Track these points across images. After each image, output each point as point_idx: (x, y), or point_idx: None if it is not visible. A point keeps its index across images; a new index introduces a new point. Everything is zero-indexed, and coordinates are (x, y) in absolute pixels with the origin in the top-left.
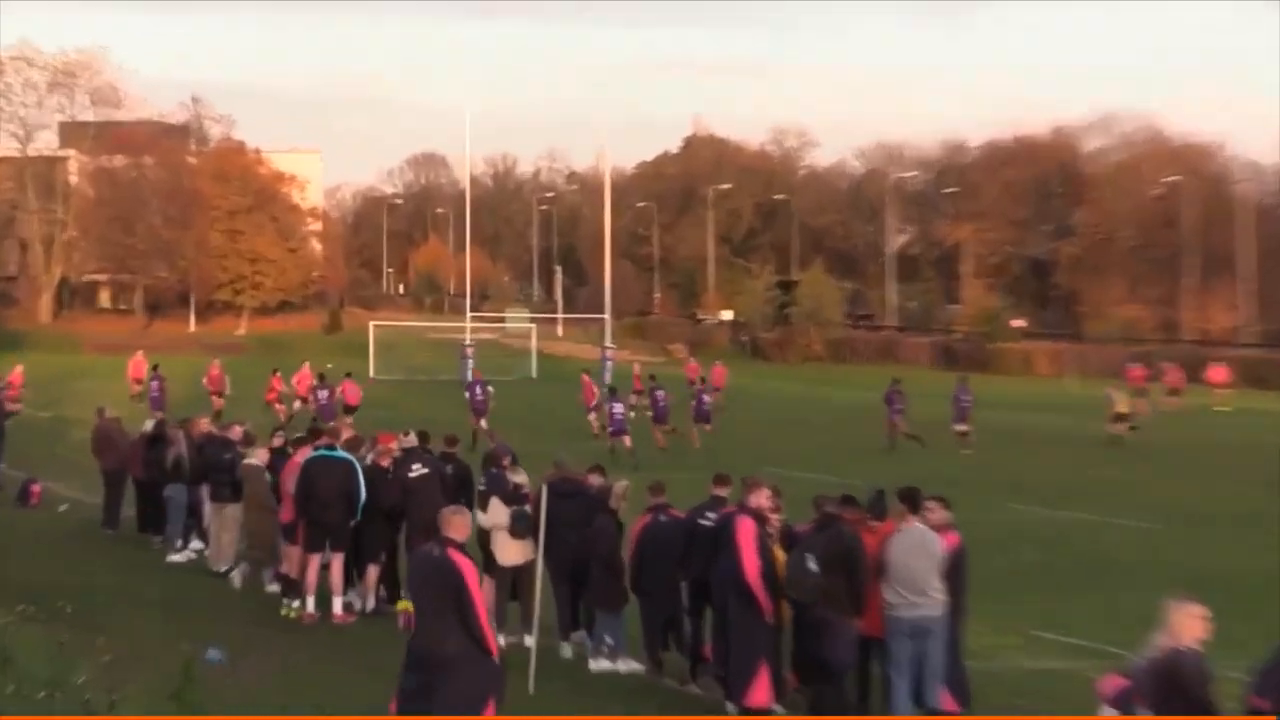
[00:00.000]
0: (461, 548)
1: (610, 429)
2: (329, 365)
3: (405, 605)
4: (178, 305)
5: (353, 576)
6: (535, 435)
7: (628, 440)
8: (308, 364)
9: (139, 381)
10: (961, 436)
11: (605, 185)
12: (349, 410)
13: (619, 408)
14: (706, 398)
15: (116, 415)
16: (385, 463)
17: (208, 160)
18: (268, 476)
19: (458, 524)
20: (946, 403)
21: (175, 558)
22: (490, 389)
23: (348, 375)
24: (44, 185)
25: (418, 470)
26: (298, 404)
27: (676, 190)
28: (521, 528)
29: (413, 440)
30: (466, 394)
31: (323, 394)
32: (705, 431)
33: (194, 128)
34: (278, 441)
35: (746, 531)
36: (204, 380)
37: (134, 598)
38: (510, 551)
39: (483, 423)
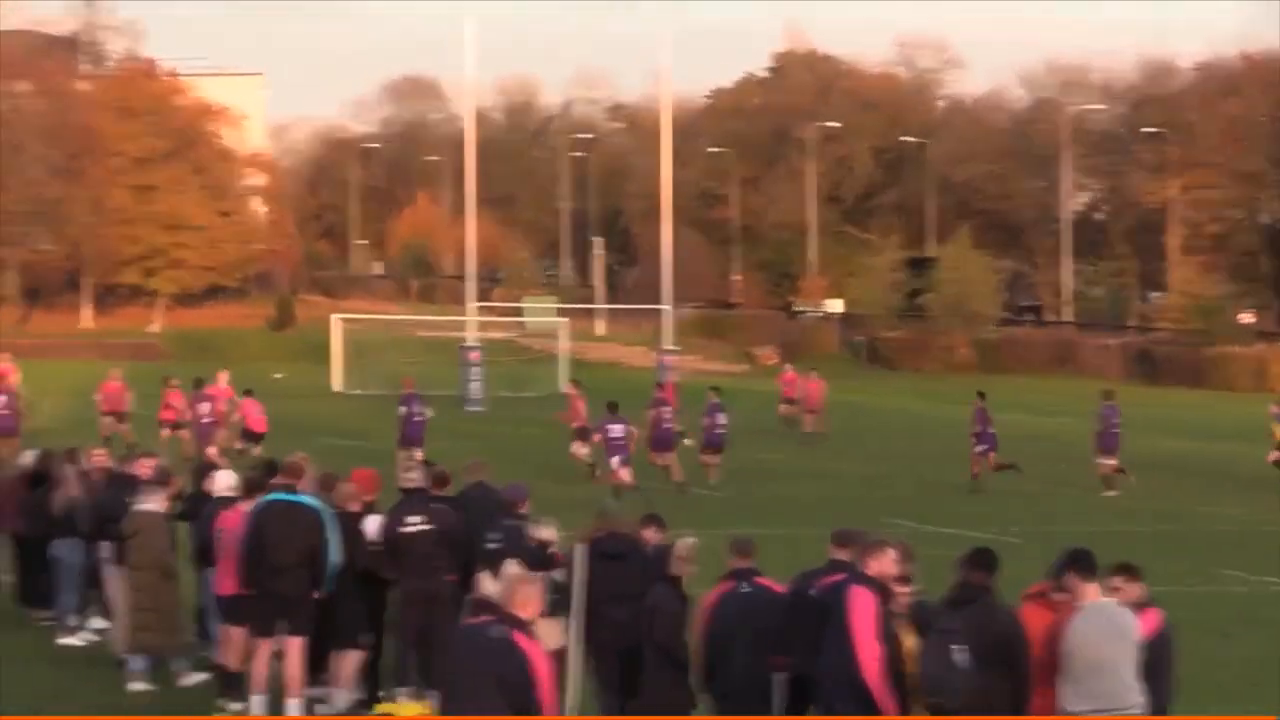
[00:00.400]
0: (530, 630)
1: (615, 459)
2: (277, 375)
3: (395, 710)
4: (66, 290)
5: (324, 666)
6: (562, 476)
7: (627, 474)
8: (225, 373)
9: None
10: (1113, 473)
11: (664, 122)
12: (252, 438)
13: (618, 429)
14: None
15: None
16: (355, 508)
17: (106, 87)
18: (168, 528)
19: (528, 597)
20: (1097, 427)
21: (68, 640)
22: (427, 411)
23: (247, 392)
24: None
25: (415, 523)
26: (166, 431)
27: (764, 130)
28: (554, 600)
29: (415, 479)
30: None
31: (202, 409)
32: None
33: (85, 41)
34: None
35: (863, 608)
36: (96, 396)
37: (10, 698)
38: (549, 635)
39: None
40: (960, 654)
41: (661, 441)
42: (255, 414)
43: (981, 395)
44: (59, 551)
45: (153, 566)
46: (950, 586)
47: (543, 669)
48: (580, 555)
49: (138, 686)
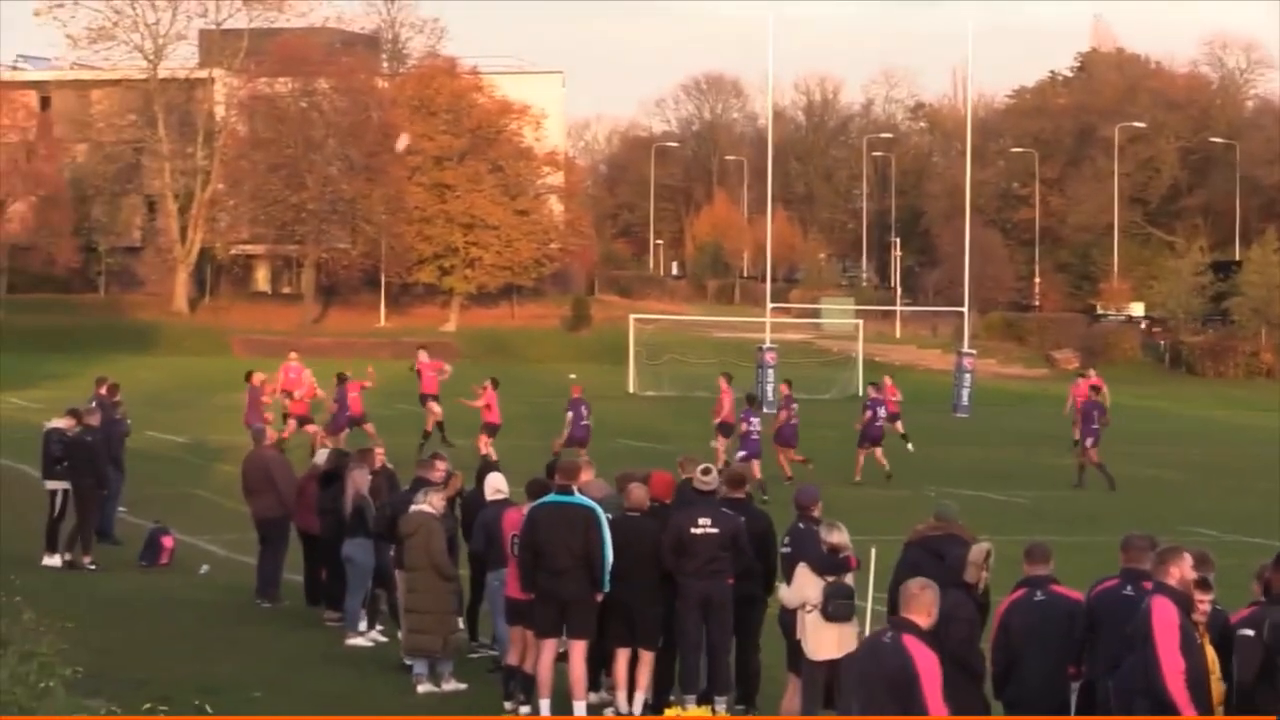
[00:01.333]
0: (928, 638)
1: (742, 452)
2: (571, 376)
3: (683, 715)
4: (363, 290)
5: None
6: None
7: (756, 468)
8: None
9: (289, 395)
10: None
11: (967, 121)
12: (355, 423)
13: (755, 424)
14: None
15: (279, 442)
16: (634, 502)
17: (406, 85)
18: (442, 528)
19: (924, 602)
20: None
21: (356, 641)
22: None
23: (343, 377)
24: (179, 119)
25: (704, 526)
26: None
27: (1068, 130)
28: (842, 607)
29: (710, 481)
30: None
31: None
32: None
33: (387, 39)
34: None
35: (1166, 620)
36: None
37: (298, 697)
38: (825, 641)
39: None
40: None
41: (873, 437)
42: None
43: (1086, 376)
44: (350, 551)
45: (428, 568)
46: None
47: (932, 678)
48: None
49: (427, 688)
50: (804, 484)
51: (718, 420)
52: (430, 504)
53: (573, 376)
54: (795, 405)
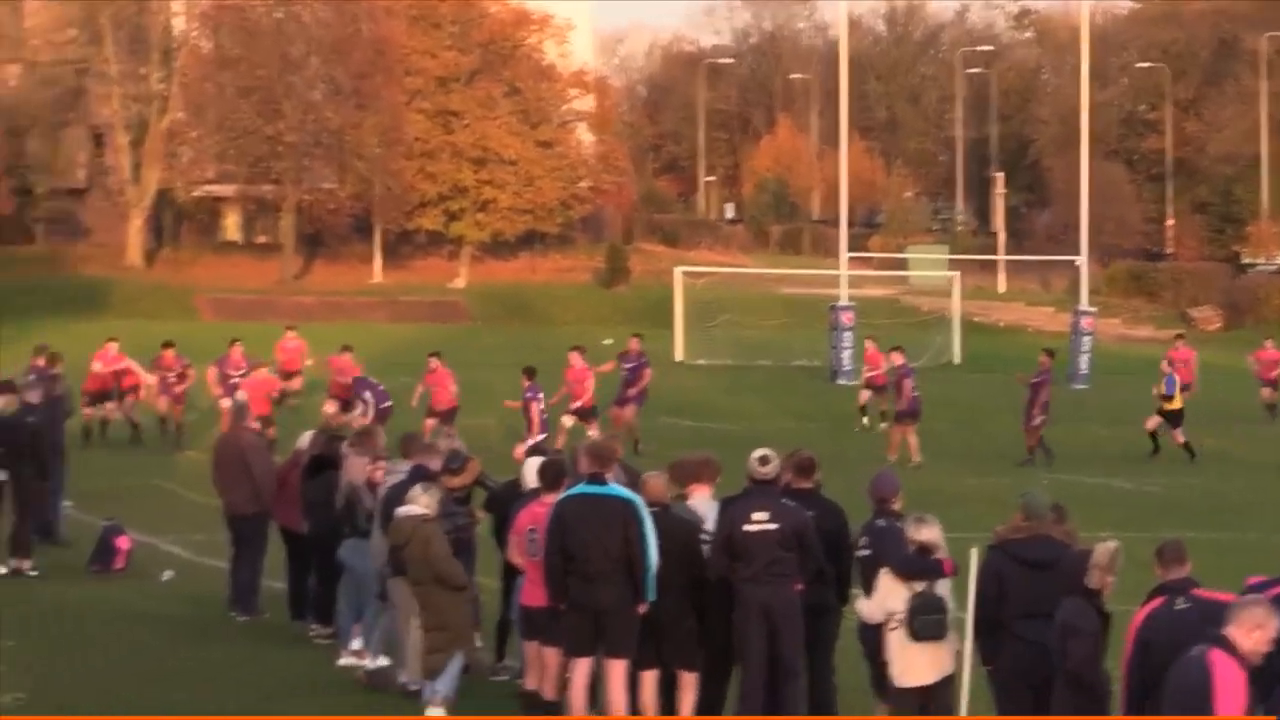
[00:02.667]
0: (1238, 653)
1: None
2: (606, 340)
3: None
4: (353, 239)
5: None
6: (954, 462)
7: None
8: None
9: (289, 375)
10: None
11: (1083, 31)
12: (436, 415)
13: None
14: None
15: (258, 422)
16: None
17: None
18: (439, 531)
19: (1247, 622)
20: None
21: (349, 661)
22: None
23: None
24: (129, 34)
25: (761, 521)
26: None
27: (1205, 41)
28: (931, 624)
29: (769, 471)
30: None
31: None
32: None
33: None
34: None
35: None
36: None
37: None
38: (914, 664)
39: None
40: None
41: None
42: (445, 383)
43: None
44: (345, 554)
45: (431, 581)
46: None
47: (1232, 696)
48: (978, 563)
49: (436, 713)
50: (883, 470)
51: (869, 375)
52: (421, 503)
53: (608, 342)
54: (911, 380)
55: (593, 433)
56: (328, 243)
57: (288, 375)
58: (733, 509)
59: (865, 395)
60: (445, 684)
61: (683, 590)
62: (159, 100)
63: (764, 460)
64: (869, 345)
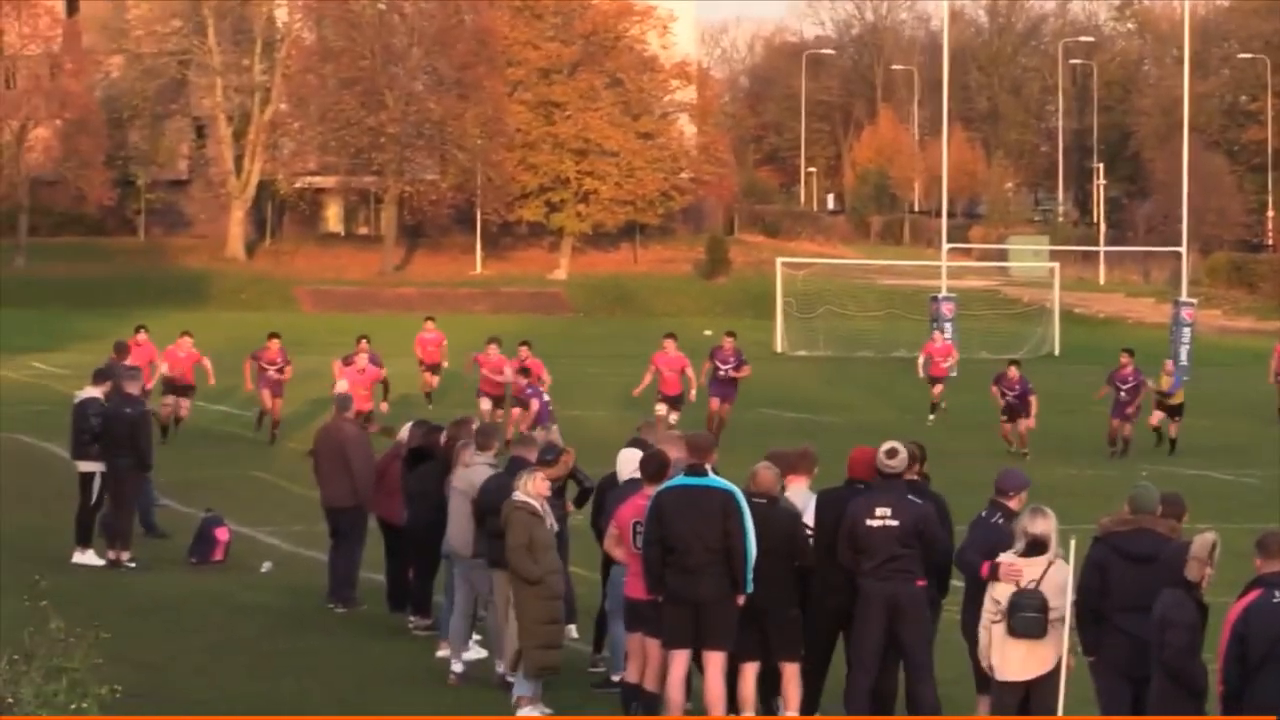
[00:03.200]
0: None
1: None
2: (707, 331)
3: None
4: (454, 230)
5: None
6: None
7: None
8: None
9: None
10: None
11: (1184, 22)
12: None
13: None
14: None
15: (360, 414)
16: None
17: None
18: (528, 520)
19: None
20: None
21: (448, 653)
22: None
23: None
24: (232, 26)
25: (884, 516)
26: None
27: None
28: (1030, 622)
29: (897, 465)
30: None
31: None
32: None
33: None
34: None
35: None
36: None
37: None
38: (1012, 659)
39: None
40: None
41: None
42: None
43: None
44: (449, 549)
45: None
46: None
47: None
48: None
49: (529, 712)
50: (1007, 467)
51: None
52: (526, 490)
53: (708, 333)
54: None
55: (674, 419)
56: (429, 234)
57: (431, 369)
58: (857, 503)
59: (938, 390)
60: (522, 687)
61: (787, 581)
62: (261, 91)
63: (891, 453)
64: (937, 336)
